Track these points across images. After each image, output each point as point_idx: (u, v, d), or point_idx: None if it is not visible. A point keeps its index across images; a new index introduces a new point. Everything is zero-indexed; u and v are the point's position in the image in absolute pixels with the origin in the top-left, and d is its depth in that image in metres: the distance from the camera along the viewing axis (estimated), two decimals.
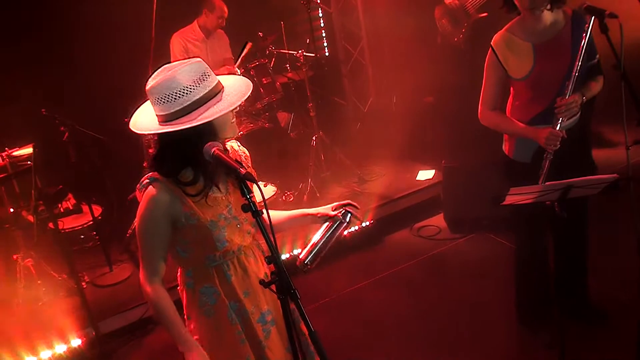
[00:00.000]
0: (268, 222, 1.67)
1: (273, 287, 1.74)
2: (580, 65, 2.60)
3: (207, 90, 1.85)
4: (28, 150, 4.38)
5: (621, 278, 3.48)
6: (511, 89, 2.95)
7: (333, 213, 2.12)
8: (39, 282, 4.27)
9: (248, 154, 2.22)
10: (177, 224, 1.95)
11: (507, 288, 3.42)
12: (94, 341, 3.77)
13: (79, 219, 4.91)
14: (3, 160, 4.35)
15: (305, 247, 2.11)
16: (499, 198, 2.49)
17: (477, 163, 4.54)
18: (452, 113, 5.25)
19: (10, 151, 4.43)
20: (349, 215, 2.11)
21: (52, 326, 3.85)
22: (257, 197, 1.76)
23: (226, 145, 2.08)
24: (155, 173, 1.94)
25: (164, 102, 1.83)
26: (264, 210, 1.69)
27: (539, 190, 2.46)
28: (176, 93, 1.82)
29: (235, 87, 1.95)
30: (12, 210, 4.42)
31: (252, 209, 1.69)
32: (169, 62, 1.89)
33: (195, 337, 2.06)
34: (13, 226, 4.31)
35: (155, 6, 4.59)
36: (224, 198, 2.03)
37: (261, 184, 1.69)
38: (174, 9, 5.00)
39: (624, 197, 2.68)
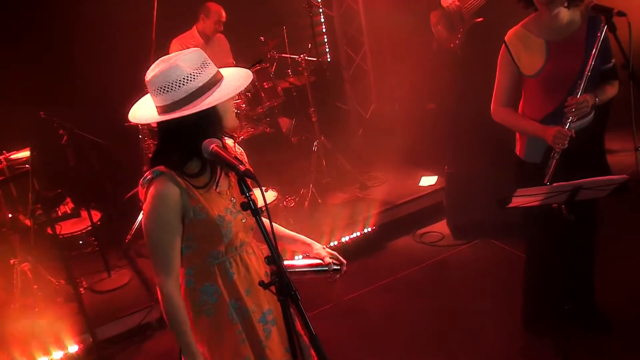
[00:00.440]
0: (269, 222, 1.62)
1: (273, 288, 1.69)
2: (594, 66, 2.56)
3: (209, 78, 1.83)
4: (26, 153, 4.33)
5: (628, 283, 3.44)
6: (522, 89, 2.91)
7: (328, 260, 2.14)
8: (35, 287, 4.20)
9: (244, 153, 2.17)
10: (185, 219, 1.88)
11: (511, 294, 3.38)
12: (91, 347, 3.71)
13: (77, 224, 4.86)
14: (0, 163, 4.30)
15: (288, 259, 2.11)
16: (504, 200, 2.44)
17: (480, 169, 4.51)
18: (455, 119, 5.23)
19: (7, 154, 4.37)
20: (336, 269, 2.17)
21: (49, 332, 3.79)
22: (258, 197, 1.71)
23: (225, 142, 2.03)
24: (161, 166, 1.86)
25: (166, 91, 1.79)
26: (265, 211, 1.66)
27: (547, 192, 2.40)
28: (179, 81, 1.78)
29: (235, 76, 1.93)
30: (10, 215, 4.38)
31: (251, 207, 1.65)
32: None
33: (195, 336, 1.99)
34: (10, 230, 4.26)
35: (155, 8, 4.57)
36: (228, 192, 1.99)
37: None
38: (174, 10, 4.98)
39: (632, 199, 2.63)
